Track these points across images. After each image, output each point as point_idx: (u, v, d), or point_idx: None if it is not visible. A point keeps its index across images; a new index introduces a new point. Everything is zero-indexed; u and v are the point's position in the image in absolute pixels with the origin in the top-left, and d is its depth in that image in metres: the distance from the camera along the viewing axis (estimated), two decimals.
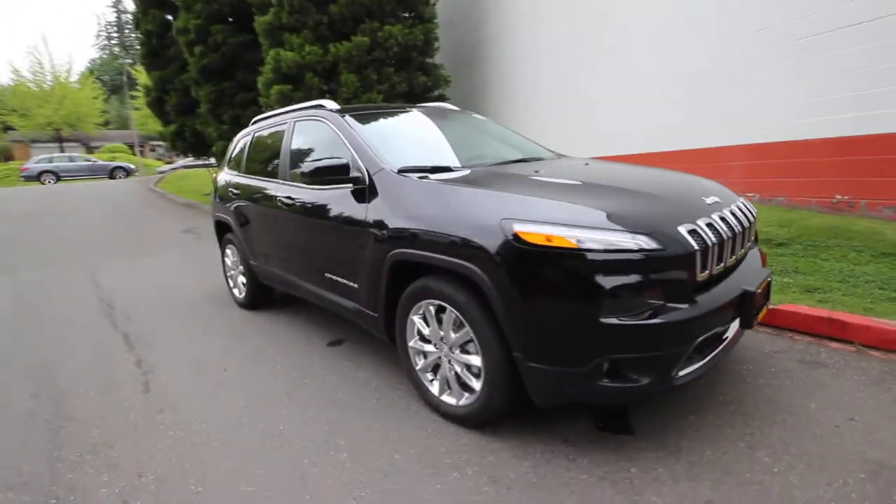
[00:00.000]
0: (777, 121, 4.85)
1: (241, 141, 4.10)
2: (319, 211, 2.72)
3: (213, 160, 13.61)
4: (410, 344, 2.28)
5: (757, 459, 1.76)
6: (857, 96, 4.25)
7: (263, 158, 3.58)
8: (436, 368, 2.23)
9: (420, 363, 2.28)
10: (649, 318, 1.62)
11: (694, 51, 5.71)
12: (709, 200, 2.00)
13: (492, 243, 1.76)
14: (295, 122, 3.22)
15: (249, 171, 3.75)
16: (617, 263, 1.62)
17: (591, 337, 1.65)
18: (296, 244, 3.05)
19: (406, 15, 9.21)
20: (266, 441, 2.14)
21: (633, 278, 1.62)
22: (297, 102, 9.25)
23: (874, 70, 4.14)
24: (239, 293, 4.19)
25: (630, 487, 1.67)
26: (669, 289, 1.66)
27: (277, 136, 3.41)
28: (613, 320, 1.61)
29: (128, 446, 2.19)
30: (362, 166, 2.46)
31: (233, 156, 4.18)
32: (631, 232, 1.65)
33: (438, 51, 10.07)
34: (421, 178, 2.28)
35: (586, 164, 2.61)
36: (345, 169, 2.44)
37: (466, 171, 2.38)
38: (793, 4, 4.69)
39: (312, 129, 3.04)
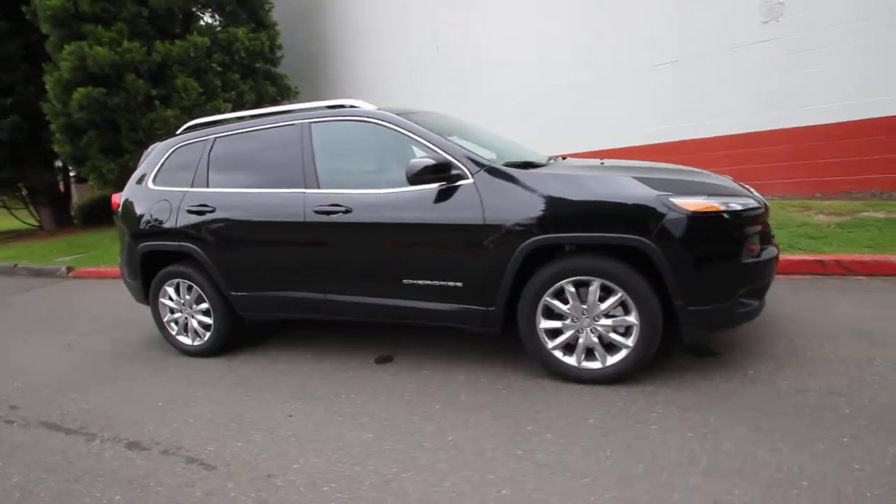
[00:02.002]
0: (633, 129, 6.44)
1: (179, 150, 3.30)
2: (399, 215, 2.56)
3: None
4: (541, 326, 2.43)
5: (816, 349, 2.60)
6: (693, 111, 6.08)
7: (254, 167, 3.02)
8: (568, 345, 2.44)
9: (551, 342, 2.45)
10: (762, 256, 2.27)
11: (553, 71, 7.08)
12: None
13: (656, 215, 2.13)
14: (311, 123, 2.87)
15: (219, 184, 3.09)
16: (746, 219, 2.20)
17: (736, 276, 2.19)
18: (344, 257, 2.73)
19: (245, 17, 8.39)
20: (461, 460, 1.99)
21: (753, 229, 2.24)
22: (113, 108, 7.43)
23: (688, 93, 6.00)
24: (191, 339, 3.36)
25: (769, 380, 2.26)
26: (764, 235, 2.34)
27: (277, 141, 2.95)
28: (750, 260, 2.19)
29: None
30: (459, 164, 2.47)
31: (164, 168, 3.33)
32: (744, 196, 2.27)
33: (283, 60, 9.48)
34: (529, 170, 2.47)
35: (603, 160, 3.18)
36: (444, 167, 2.41)
37: (551, 164, 2.66)
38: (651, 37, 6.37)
39: (350, 130, 2.80)
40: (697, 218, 2.13)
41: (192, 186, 3.17)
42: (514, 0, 7.41)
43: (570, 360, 2.43)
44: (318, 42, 10.64)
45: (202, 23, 8.11)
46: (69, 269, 7.05)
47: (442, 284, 2.55)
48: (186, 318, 3.34)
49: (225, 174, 3.10)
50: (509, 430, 2.13)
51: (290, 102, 10.03)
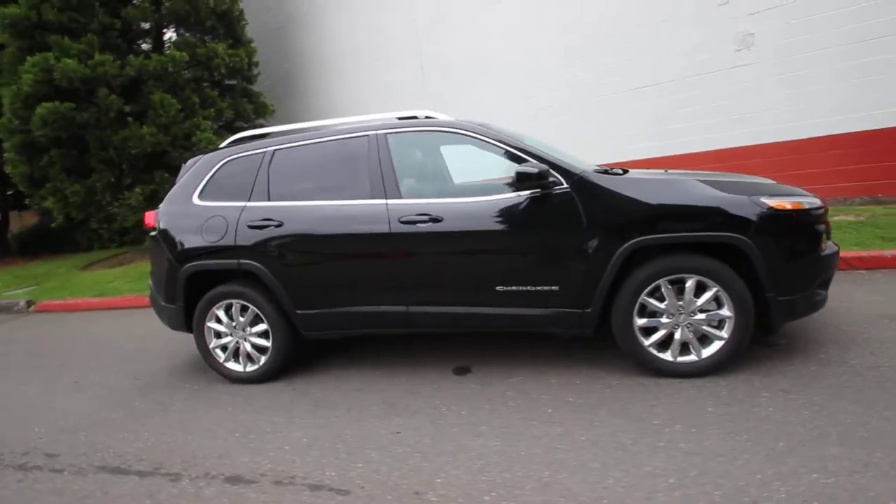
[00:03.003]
0: (619, 146, 6.85)
1: (230, 163, 3.14)
2: (495, 222, 2.60)
3: None
4: (639, 324, 2.54)
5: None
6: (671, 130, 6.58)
7: (321, 178, 2.94)
8: (662, 343, 2.55)
9: (647, 340, 2.55)
10: (831, 249, 2.54)
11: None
12: None
13: (752, 215, 2.34)
14: (386, 134, 2.85)
15: (282, 197, 2.97)
16: (818, 216, 2.47)
17: (816, 267, 2.44)
18: (433, 267, 2.71)
19: (223, 31, 8.11)
20: (608, 457, 2.02)
21: (823, 226, 2.51)
22: (82, 124, 6.84)
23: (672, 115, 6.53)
24: (243, 365, 3.14)
25: (841, 360, 2.50)
26: (827, 231, 2.62)
27: (347, 152, 2.90)
28: (826, 252, 2.45)
29: None
30: (555, 172, 2.56)
31: (212, 183, 3.14)
32: (811, 196, 2.53)
33: (259, 77, 9.23)
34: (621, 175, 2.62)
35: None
36: (545, 175, 2.49)
37: (634, 171, 2.81)
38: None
39: (431, 140, 2.83)
40: (785, 216, 2.36)
41: (249, 200, 3.02)
42: (499, 20, 7.75)
43: (666, 356, 2.55)
44: (291, 60, 10.47)
45: (176, 37, 7.74)
46: (29, 302, 6.29)
47: (537, 289, 2.60)
48: (238, 342, 3.13)
49: (288, 187, 2.99)
50: (636, 424, 2.20)
51: (267, 121, 9.76)
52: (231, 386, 3.17)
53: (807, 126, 5.61)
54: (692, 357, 2.53)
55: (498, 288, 2.65)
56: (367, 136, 2.88)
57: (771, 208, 2.36)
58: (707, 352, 2.51)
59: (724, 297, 2.43)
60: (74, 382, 3.64)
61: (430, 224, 2.67)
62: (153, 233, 3.29)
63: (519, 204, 2.58)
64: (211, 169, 3.18)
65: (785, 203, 2.38)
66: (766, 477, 1.77)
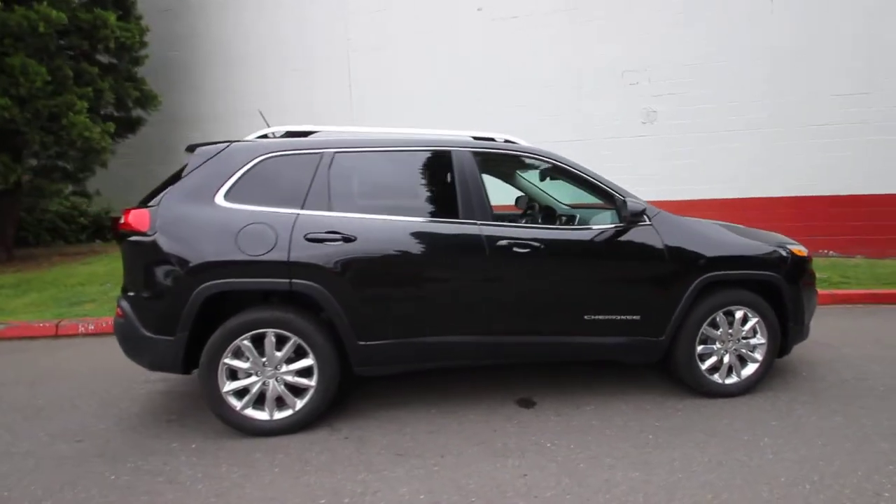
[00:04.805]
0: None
1: (271, 161, 2.57)
2: (590, 252, 2.67)
3: None
4: (699, 351, 2.84)
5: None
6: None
7: (395, 191, 2.63)
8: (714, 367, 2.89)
9: (704, 364, 2.86)
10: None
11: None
12: None
13: (784, 258, 2.87)
14: (471, 151, 2.69)
15: (347, 207, 2.54)
16: (809, 261, 3.14)
17: (814, 301, 3.08)
18: (526, 295, 2.60)
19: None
20: (750, 474, 2.17)
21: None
22: None
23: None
24: (269, 413, 2.51)
25: (836, 373, 3.15)
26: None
27: (426, 166, 2.66)
28: (816, 291, 3.13)
29: None
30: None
31: (245, 182, 2.51)
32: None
33: (147, 60, 7.70)
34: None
35: None
36: (644, 211, 2.66)
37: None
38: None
39: (517, 165, 2.75)
40: (799, 259, 2.97)
41: (303, 208, 2.49)
42: (433, 45, 8.00)
43: (716, 378, 2.89)
44: (182, 49, 9.00)
45: None
46: None
47: (621, 318, 2.72)
48: (267, 382, 2.48)
49: (354, 197, 2.57)
50: (733, 442, 2.42)
51: (152, 112, 8.08)
52: (250, 441, 2.47)
53: (698, 191, 7.07)
54: (735, 379, 2.92)
55: (586, 317, 2.69)
56: (453, 151, 2.69)
57: (792, 253, 2.94)
58: (745, 373, 2.93)
59: (759, 325, 2.89)
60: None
61: (528, 251, 2.59)
62: (137, 237, 2.45)
63: (611, 236, 2.70)
64: (242, 165, 2.53)
65: (798, 249, 3.00)
66: (865, 472, 2.15)
